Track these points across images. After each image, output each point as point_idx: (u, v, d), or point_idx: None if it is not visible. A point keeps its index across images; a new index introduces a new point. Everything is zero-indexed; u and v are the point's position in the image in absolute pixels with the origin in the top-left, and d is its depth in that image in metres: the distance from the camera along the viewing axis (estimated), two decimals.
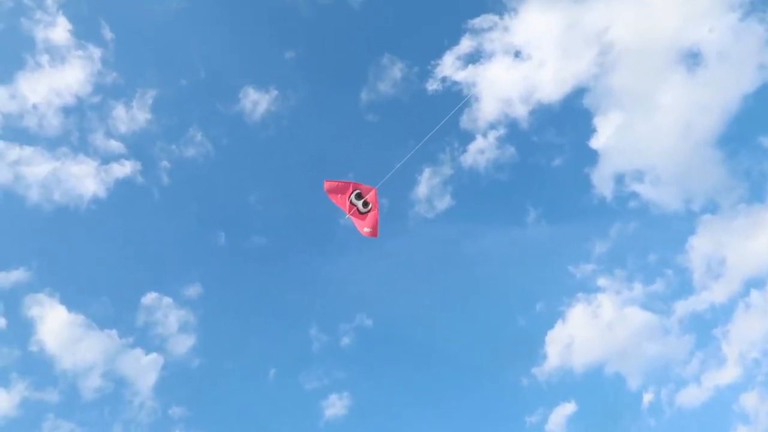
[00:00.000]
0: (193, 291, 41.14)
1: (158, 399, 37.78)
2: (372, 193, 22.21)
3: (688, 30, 43.04)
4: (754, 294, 39.34)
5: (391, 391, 40.18)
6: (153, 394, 37.81)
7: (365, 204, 22.11)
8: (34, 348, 37.28)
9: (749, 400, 37.18)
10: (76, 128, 42.57)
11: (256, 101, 44.79)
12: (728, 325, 39.52)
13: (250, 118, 45.10)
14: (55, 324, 37.77)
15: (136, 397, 37.46)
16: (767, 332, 38.56)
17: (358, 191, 22.19)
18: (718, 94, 42.54)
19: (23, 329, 37.61)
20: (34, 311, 37.85)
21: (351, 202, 22.15)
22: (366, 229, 22.02)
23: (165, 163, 43.58)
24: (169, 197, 43.68)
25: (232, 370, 40.30)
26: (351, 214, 22.04)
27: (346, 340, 41.21)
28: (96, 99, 43.02)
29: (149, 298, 40.11)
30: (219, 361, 40.08)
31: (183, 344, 39.47)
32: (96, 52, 42.78)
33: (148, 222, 44.11)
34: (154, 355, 38.65)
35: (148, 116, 43.49)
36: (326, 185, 22.56)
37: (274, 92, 45.20)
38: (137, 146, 43.43)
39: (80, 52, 42.60)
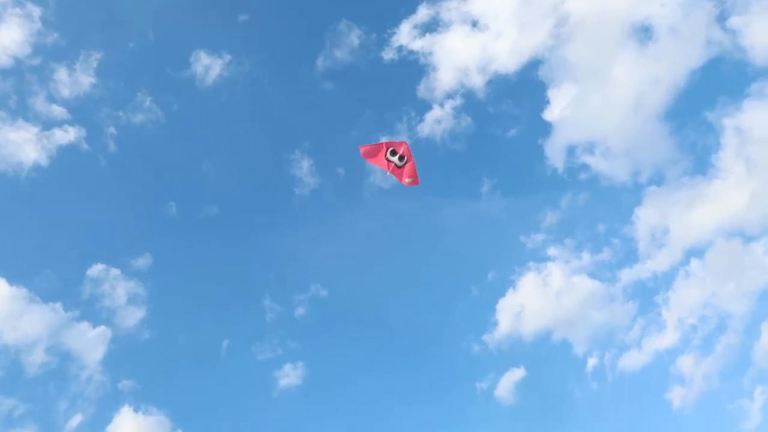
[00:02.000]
0: (142, 262, 40.19)
1: (107, 373, 37.11)
2: (404, 147, 23.62)
3: (641, 4, 43.78)
4: (694, 263, 41.37)
5: (345, 360, 40.67)
6: (101, 368, 37.12)
7: (401, 158, 23.51)
8: None
9: (685, 363, 39.33)
10: (14, 92, 40.47)
11: (209, 66, 43.51)
12: (669, 292, 41.52)
13: (202, 84, 43.83)
14: None
15: (83, 372, 36.72)
16: (704, 299, 40.71)
17: (391, 148, 23.55)
18: (668, 68, 43.66)
19: None
20: None
21: (388, 160, 23.49)
22: (407, 179, 23.59)
23: (111, 130, 42.03)
24: (116, 165, 42.35)
25: (183, 342, 39.85)
26: (391, 171, 23.56)
27: (300, 311, 41.28)
28: (36, 61, 40.88)
29: (95, 269, 38.99)
30: (170, 334, 39.56)
31: (132, 317, 38.68)
32: (35, 10, 40.56)
33: (94, 191, 42.82)
34: (101, 329, 37.74)
35: (93, 80, 41.68)
36: (362, 150, 23.80)
37: (227, 57, 43.96)
38: (81, 111, 41.69)
39: (18, 11, 40.30)
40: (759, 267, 40.19)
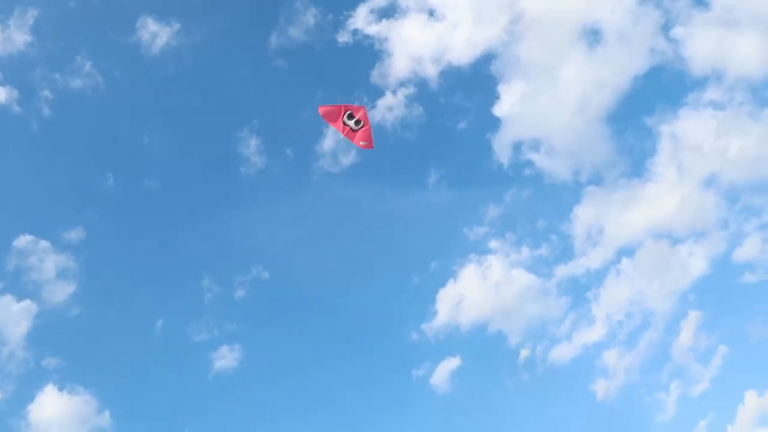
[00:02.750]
0: (74, 235, 38.58)
1: (30, 349, 35.58)
2: (362, 112, 24.58)
3: (593, 7, 44.87)
4: (625, 261, 43.07)
5: (283, 344, 40.33)
6: (24, 343, 35.57)
7: (357, 122, 24.43)
8: None
9: (610, 357, 41.09)
10: None
11: (156, 33, 41.78)
12: (600, 288, 43.12)
13: (147, 52, 41.99)
14: None
15: (5, 348, 35.05)
16: (631, 297, 42.60)
17: (349, 112, 24.42)
18: (613, 72, 44.91)
19: None
20: None
21: (344, 123, 24.40)
22: (362, 143, 24.58)
23: (46, 93, 39.91)
24: (50, 131, 40.24)
25: (115, 320, 38.62)
26: (345, 134, 24.49)
27: (240, 293, 40.66)
28: None
29: (23, 240, 37.17)
30: (101, 311, 38.30)
31: (61, 292, 37.14)
32: None
33: (24, 157, 40.60)
34: (26, 302, 36.11)
35: (28, 38, 39.41)
36: (321, 110, 24.72)
37: (176, 25, 42.28)
38: (14, 71, 39.60)
39: None
40: (682, 268, 42.47)
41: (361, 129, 24.43)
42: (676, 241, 42.94)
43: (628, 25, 44.13)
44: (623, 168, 44.75)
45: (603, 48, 44.78)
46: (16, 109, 38.90)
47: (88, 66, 40.39)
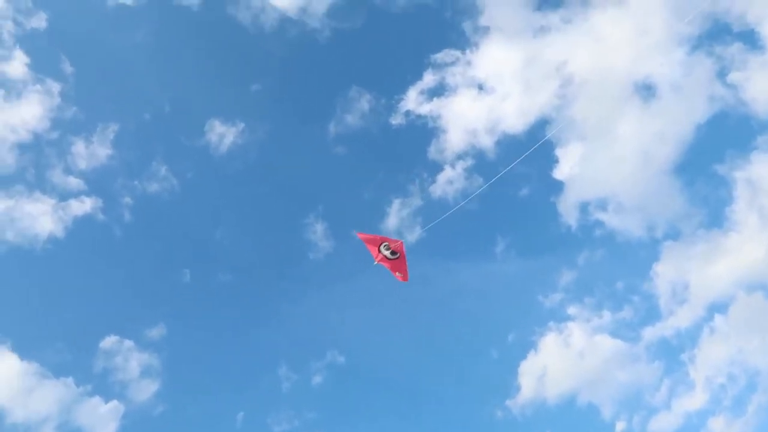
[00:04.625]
0: (156, 333, 39.62)
1: None
2: (399, 245, 25.81)
3: (641, 63, 44.90)
4: (718, 319, 40.40)
5: (364, 430, 39.18)
6: None
7: (393, 253, 25.64)
8: None
9: (717, 424, 37.90)
10: (33, 165, 41.10)
11: (222, 134, 44.28)
12: (695, 349, 40.33)
13: (216, 152, 44.42)
14: (5, 374, 35.62)
15: None
16: (731, 357, 39.49)
17: (386, 243, 25.74)
18: (673, 124, 44.24)
19: None
20: None
21: (380, 251, 25.64)
22: (398, 274, 25.77)
23: (127, 199, 42.38)
24: (131, 234, 42.31)
25: (197, 415, 38.50)
26: (379, 260, 25.73)
27: (317, 379, 40.23)
28: (54, 135, 41.78)
29: (108, 341, 38.41)
30: (184, 407, 38.42)
31: (146, 390, 37.80)
32: (55, 86, 41.71)
33: (108, 261, 42.57)
34: (114, 403, 36.80)
35: (110, 151, 42.40)
36: (360, 236, 26.15)
37: (241, 125, 44.76)
38: (97, 182, 42.21)
39: (38, 87, 41.42)
40: None
41: (398, 260, 25.40)
42: None
43: (680, 76, 43.89)
44: (700, 219, 43.01)
45: (658, 101, 44.45)
46: (101, 217, 41.41)
47: (163, 170, 43.08)
